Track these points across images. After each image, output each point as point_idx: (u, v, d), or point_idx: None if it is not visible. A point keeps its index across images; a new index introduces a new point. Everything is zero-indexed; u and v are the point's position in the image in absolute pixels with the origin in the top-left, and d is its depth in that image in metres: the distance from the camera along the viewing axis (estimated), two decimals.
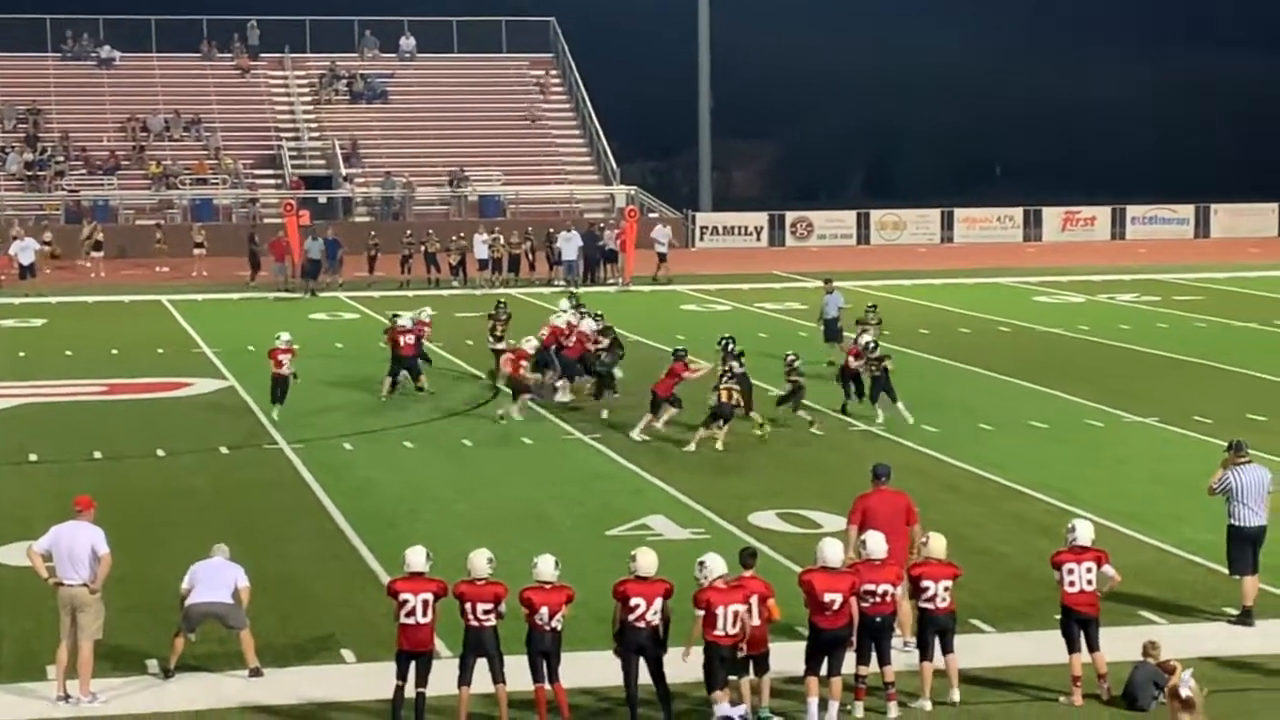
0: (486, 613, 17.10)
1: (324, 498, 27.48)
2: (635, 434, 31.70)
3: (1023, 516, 25.95)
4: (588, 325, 36.52)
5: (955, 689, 17.88)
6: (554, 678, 17.14)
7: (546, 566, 17.26)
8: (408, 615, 17.10)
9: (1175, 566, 23.07)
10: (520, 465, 30.06)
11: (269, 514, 26.43)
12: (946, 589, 17.95)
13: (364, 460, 30.55)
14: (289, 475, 29.33)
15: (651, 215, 72.90)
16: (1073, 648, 18.03)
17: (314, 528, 25.55)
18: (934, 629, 18.00)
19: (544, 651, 17.09)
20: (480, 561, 17.28)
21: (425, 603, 17.11)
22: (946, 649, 18.00)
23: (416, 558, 17.38)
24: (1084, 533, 18.38)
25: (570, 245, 58.77)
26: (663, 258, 60.24)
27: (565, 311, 37.45)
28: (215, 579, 18.93)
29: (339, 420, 33.97)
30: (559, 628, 17.10)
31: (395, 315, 37.60)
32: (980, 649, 19.32)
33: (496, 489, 28.16)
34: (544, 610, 17.03)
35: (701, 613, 16.91)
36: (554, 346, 35.57)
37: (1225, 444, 21.86)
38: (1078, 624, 18.07)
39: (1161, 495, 27.30)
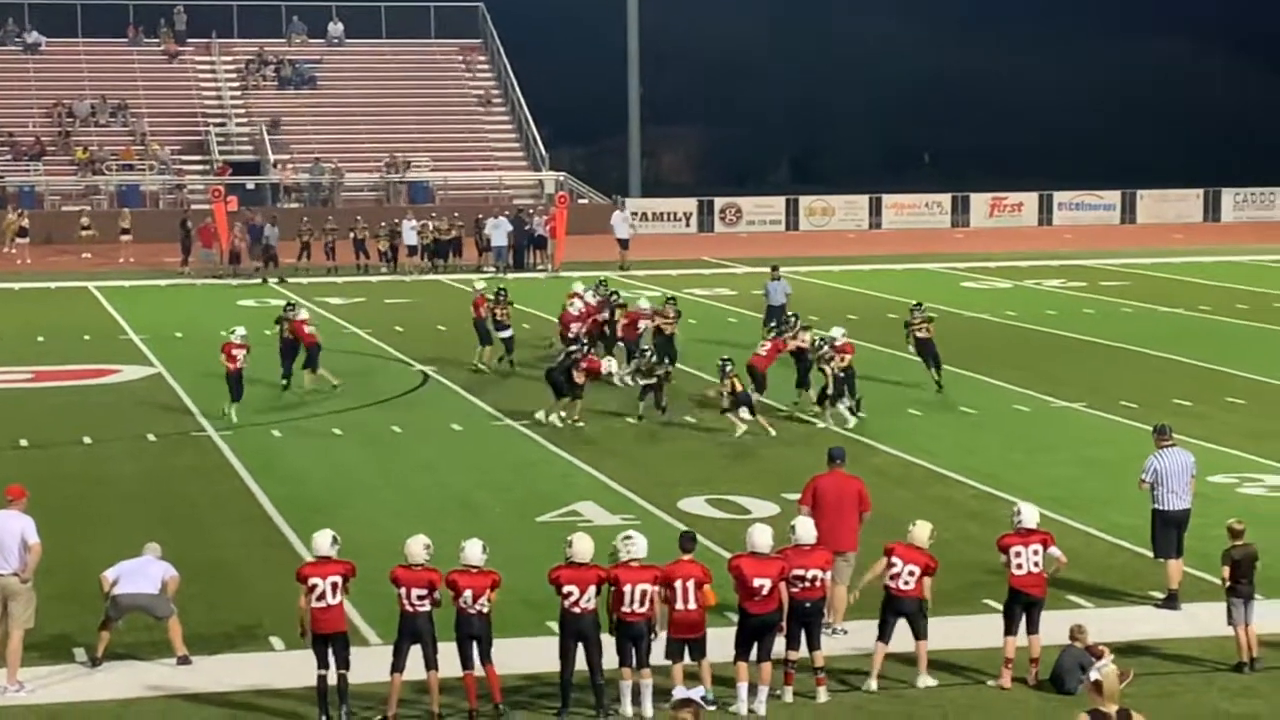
0: (420, 598, 17.10)
1: (253, 485, 27.37)
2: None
3: (950, 501, 26.07)
4: (645, 304, 37.17)
5: (925, 674, 17.97)
6: (485, 659, 17.15)
7: (474, 551, 17.29)
8: (318, 599, 17.10)
9: (1102, 551, 23.22)
10: (449, 452, 30.01)
11: (197, 501, 26.32)
12: (912, 573, 18.00)
13: (293, 448, 30.44)
14: (217, 462, 29.20)
15: (581, 201, 72.85)
16: (1011, 630, 18.12)
17: (242, 515, 25.46)
18: (894, 611, 18.07)
19: (472, 635, 17.09)
20: (417, 547, 17.29)
21: (334, 585, 17.14)
22: (917, 634, 18.07)
23: (323, 541, 17.46)
24: (1030, 515, 18.47)
25: (499, 232, 58.68)
26: (624, 244, 59.76)
27: (580, 295, 38.01)
28: (142, 572, 18.90)
29: (268, 408, 33.80)
30: (486, 610, 17.10)
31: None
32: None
33: (425, 476, 28.11)
34: (468, 594, 17.05)
35: (612, 589, 17.03)
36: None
37: (1151, 428, 22.02)
38: (1022, 606, 18.18)
39: (1088, 480, 27.47)
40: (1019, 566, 18.19)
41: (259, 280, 55.48)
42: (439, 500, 26.29)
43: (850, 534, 19.68)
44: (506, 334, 37.89)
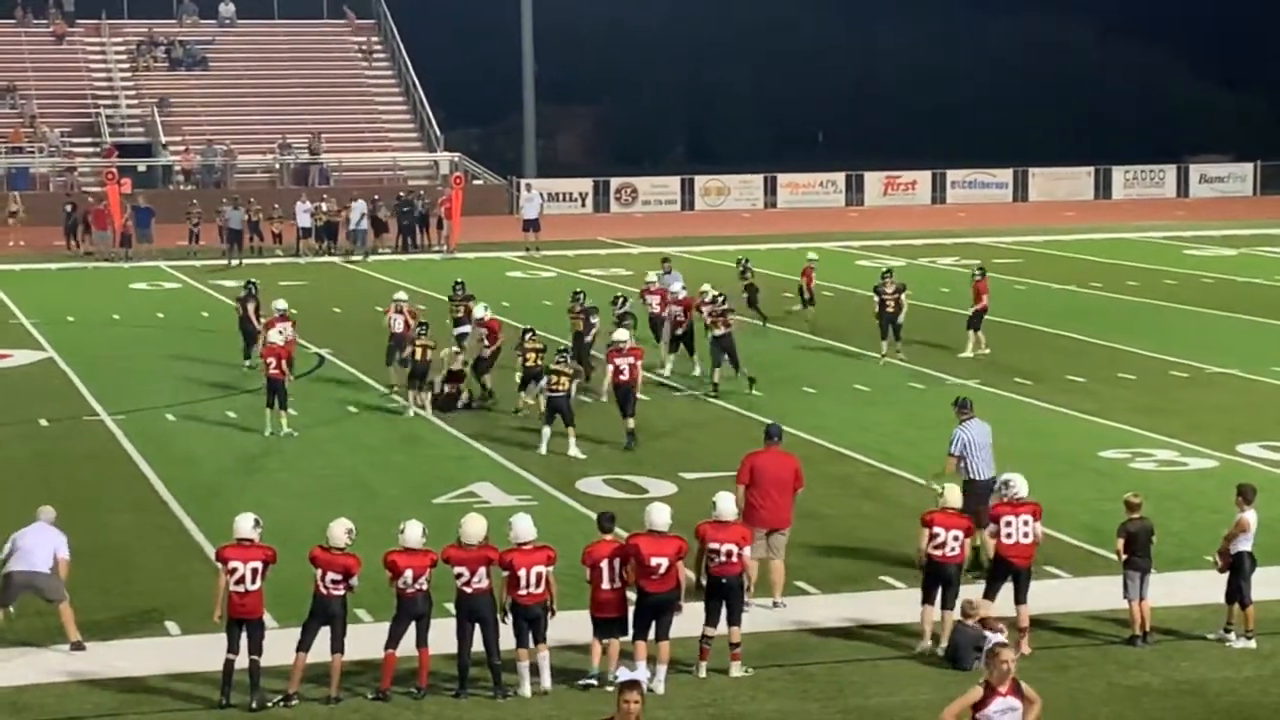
0: (335, 583, 17.08)
1: (146, 469, 27.17)
2: (970, 351, 34.91)
3: (846, 479, 26.18)
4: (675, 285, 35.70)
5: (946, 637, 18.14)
6: (422, 642, 17.19)
7: (414, 533, 17.28)
8: (237, 583, 16.99)
9: None
10: (345, 434, 29.89)
11: (90, 486, 26.09)
12: (956, 538, 18.23)
13: (186, 431, 30.22)
14: (110, 447, 28.95)
15: (476, 182, 72.60)
16: (990, 594, 18.29)
17: (136, 499, 25.25)
18: (940, 580, 18.30)
19: (415, 615, 17.13)
20: (339, 531, 17.28)
21: (255, 570, 17.04)
22: (946, 602, 18.33)
23: (245, 524, 17.32)
24: (1021, 486, 18.57)
25: (355, 214, 57.97)
26: (535, 226, 58.74)
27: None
28: (35, 546, 18.67)
29: (161, 391, 33.52)
30: (426, 589, 17.14)
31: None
32: (808, 610, 19.48)
33: (321, 458, 27.98)
34: (408, 573, 17.08)
35: (506, 573, 17.05)
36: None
37: (953, 402, 22.28)
38: (1010, 575, 18.37)
39: None
40: (1008, 536, 18.31)
41: (234, 263, 54.47)
42: (335, 483, 26.16)
43: (787, 511, 19.89)
44: (463, 330, 35.10)
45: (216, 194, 65.55)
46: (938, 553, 18.29)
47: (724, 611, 17.71)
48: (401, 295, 34.65)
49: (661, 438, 29.02)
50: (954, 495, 18.62)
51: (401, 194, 62.19)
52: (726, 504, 18.04)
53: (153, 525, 23.83)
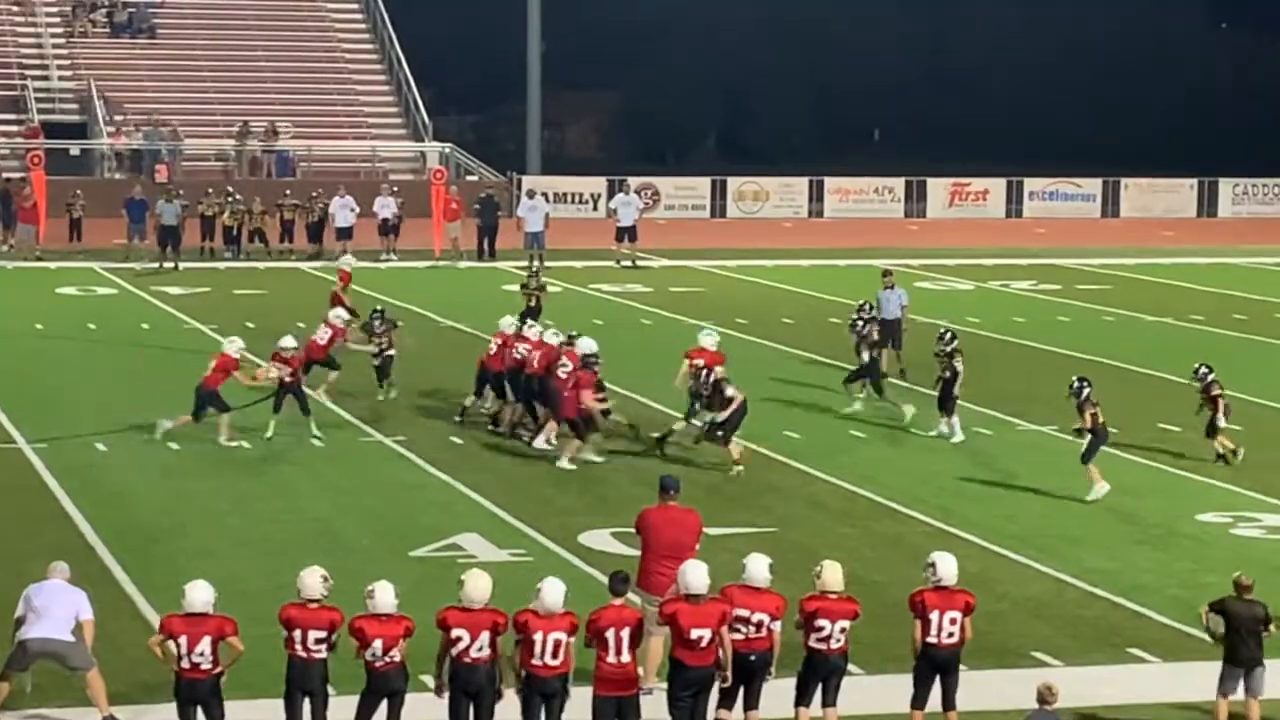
0: (319, 642, 17.16)
1: (70, 507, 27.17)
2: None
3: (899, 540, 26.11)
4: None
5: None
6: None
7: (385, 597, 17.26)
8: (198, 655, 17.08)
9: (1073, 599, 23.33)
10: (308, 472, 29.90)
11: (3, 526, 26.06)
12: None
13: (120, 463, 30.22)
14: (28, 479, 28.98)
15: (470, 178, 72.63)
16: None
17: (57, 543, 25.15)
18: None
19: (389, 691, 17.14)
20: (313, 580, 17.35)
21: (213, 644, 17.13)
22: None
23: (199, 595, 17.31)
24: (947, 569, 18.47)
25: (344, 211, 57.66)
26: (630, 233, 58.90)
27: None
28: (54, 608, 18.64)
29: (91, 416, 33.51)
30: (398, 660, 17.16)
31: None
32: (852, 693, 19.39)
33: (278, 500, 27.97)
34: (377, 644, 17.09)
35: (519, 638, 17.01)
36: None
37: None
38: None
39: (1058, 516, 27.58)
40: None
41: (164, 266, 54.54)
42: (295, 529, 26.15)
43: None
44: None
45: (186, 185, 65.47)
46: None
47: (741, 694, 17.70)
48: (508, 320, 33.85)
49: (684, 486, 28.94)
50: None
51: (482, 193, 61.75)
52: (759, 567, 17.98)
53: (78, 575, 23.76)
